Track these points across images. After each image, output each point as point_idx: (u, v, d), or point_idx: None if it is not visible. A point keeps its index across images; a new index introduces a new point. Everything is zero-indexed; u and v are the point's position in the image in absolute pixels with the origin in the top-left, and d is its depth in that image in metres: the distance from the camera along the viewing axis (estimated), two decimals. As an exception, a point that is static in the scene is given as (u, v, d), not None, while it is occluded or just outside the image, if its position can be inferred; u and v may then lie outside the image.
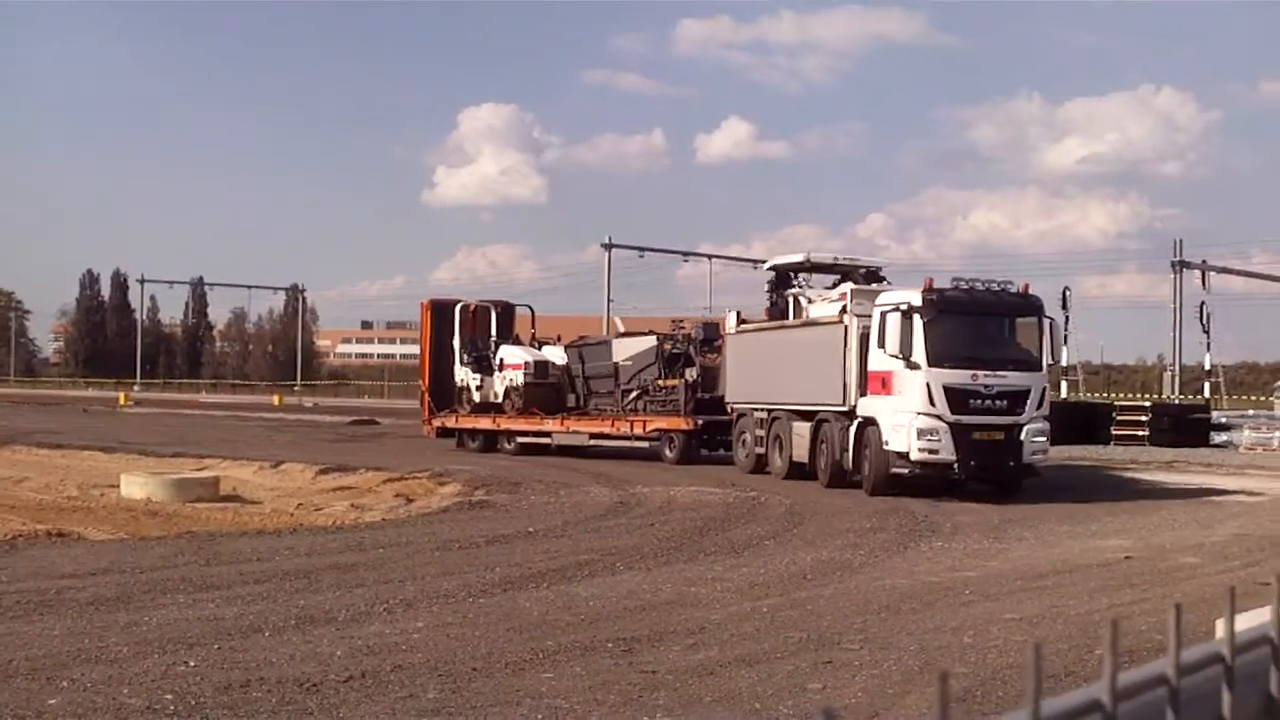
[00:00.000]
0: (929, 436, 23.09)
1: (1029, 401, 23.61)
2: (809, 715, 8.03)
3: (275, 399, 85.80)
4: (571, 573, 14.30)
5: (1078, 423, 39.70)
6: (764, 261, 36.42)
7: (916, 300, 23.49)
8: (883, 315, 23.93)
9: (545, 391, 36.58)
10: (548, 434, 35.86)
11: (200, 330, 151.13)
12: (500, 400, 37.20)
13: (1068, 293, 47.00)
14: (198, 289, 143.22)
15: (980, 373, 23.38)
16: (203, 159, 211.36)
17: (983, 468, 23.67)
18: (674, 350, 33.60)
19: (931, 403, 23.16)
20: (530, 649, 10.17)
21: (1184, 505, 23.62)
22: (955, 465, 23.22)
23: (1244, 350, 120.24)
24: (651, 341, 34.57)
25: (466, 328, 39.15)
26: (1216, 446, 39.90)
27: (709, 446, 32.38)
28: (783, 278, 30.49)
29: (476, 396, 37.96)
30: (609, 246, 75.26)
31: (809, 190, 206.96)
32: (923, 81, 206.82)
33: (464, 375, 38.46)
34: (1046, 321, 24.49)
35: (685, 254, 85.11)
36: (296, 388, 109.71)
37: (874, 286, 26.82)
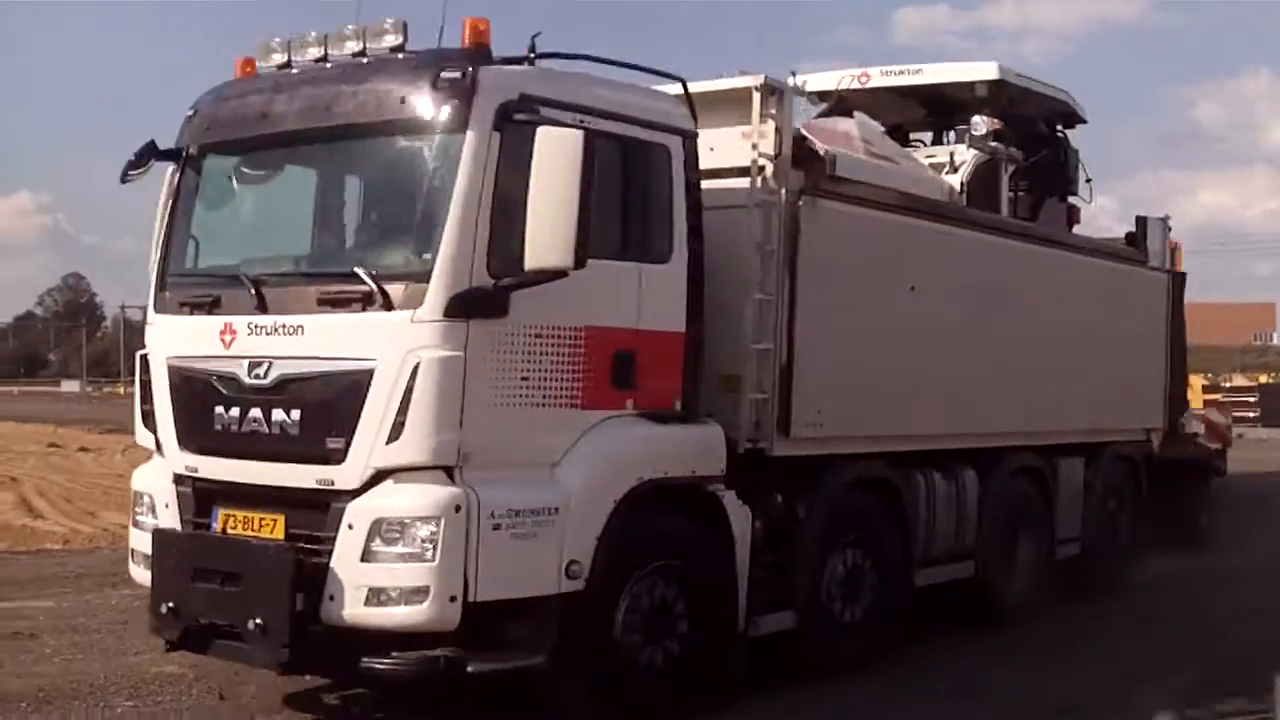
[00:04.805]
0: (138, 516, 8.30)
1: (356, 414, 6.95)
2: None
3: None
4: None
5: None
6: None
7: None
8: None
9: None
10: None
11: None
12: None
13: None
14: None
15: (244, 321, 7.48)
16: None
17: (211, 620, 7.34)
18: None
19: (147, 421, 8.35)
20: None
21: None
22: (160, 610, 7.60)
23: None
24: None
25: None
26: None
27: None
28: None
29: None
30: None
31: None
32: (1145, 62, 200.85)
33: None
34: (556, 137, 6.78)
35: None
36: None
37: None
